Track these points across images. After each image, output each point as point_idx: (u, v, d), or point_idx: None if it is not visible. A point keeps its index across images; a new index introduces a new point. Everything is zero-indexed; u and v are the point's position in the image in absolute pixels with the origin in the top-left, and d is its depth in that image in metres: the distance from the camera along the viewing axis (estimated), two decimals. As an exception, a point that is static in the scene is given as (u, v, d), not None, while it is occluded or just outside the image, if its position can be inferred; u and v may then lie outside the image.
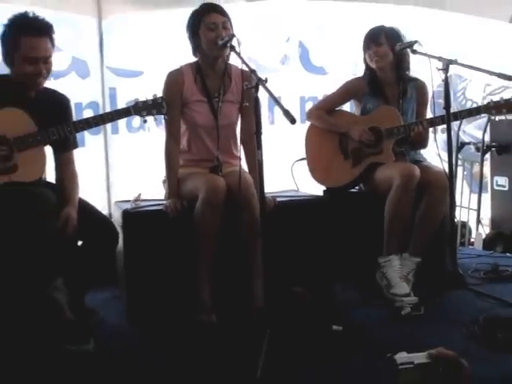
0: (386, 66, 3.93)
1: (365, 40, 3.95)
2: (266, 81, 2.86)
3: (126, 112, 3.36)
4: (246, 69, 3.07)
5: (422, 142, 3.99)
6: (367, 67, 4.01)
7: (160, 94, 3.42)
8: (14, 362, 2.87)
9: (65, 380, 2.75)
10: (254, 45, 4.47)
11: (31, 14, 3.12)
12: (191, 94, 3.59)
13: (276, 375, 2.66)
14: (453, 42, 4.84)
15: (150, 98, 3.34)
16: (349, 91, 4.10)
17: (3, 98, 3.11)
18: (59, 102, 3.34)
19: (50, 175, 3.35)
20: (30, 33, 3.06)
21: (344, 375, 2.73)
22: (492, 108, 3.78)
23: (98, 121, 3.30)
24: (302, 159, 4.12)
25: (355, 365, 2.80)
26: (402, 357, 1.44)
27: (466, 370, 1.42)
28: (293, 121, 2.70)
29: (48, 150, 3.24)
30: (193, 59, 3.64)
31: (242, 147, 3.49)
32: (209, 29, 3.47)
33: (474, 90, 5.54)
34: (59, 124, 3.19)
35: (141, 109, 3.33)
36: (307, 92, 4.96)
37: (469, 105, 5.44)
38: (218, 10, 3.53)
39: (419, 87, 4.03)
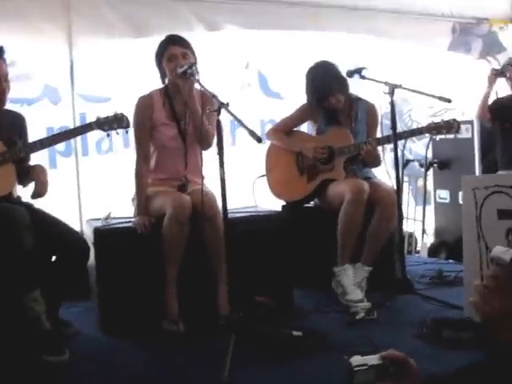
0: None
1: (323, 89, 4.03)
2: (227, 104, 3.00)
3: (88, 127, 3.46)
4: (207, 93, 3.23)
5: (375, 161, 4.10)
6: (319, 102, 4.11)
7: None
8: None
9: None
10: (215, 71, 4.60)
11: None
12: (160, 118, 3.73)
13: (240, 377, 2.80)
14: (398, 68, 5.07)
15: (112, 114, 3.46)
16: (304, 113, 4.28)
17: None
18: (17, 119, 3.49)
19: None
20: None
21: (303, 376, 2.87)
22: (433, 129, 3.94)
23: (63, 136, 3.44)
24: (263, 176, 4.30)
25: (314, 366, 2.95)
26: (356, 359, 1.49)
27: (414, 368, 1.50)
28: (259, 140, 2.86)
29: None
30: (157, 85, 3.80)
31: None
32: (169, 60, 3.63)
33: (419, 112, 5.81)
34: (21, 139, 3.33)
35: (103, 123, 3.40)
36: (266, 115, 5.13)
37: (414, 126, 5.69)
38: (177, 42, 3.68)
39: (369, 109, 4.21)
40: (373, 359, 1.50)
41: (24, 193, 3.50)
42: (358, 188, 3.84)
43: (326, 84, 4.05)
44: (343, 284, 3.82)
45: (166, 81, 3.77)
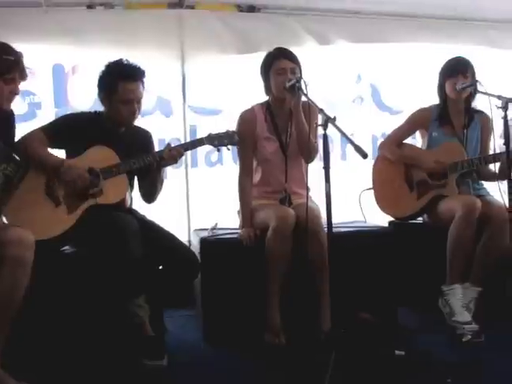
0: (465, 97, 4.00)
1: (450, 68, 4.00)
2: (334, 119, 2.91)
3: (199, 142, 3.59)
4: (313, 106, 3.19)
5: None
6: (442, 95, 4.07)
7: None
8: (92, 370, 3.10)
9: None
10: (326, 85, 4.63)
11: (125, 61, 3.46)
12: (262, 132, 3.79)
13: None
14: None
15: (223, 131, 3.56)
16: (416, 122, 4.18)
17: (96, 133, 3.45)
18: (143, 136, 3.66)
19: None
20: (127, 78, 3.41)
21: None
22: None
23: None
24: (370, 189, 4.20)
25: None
26: None
27: None
28: (365, 156, 2.77)
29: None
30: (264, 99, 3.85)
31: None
32: (278, 73, 3.67)
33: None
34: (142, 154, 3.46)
35: (213, 139, 3.54)
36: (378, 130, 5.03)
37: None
38: (287, 56, 3.71)
39: (484, 119, 4.07)
40: None
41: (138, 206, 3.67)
42: (470, 205, 3.71)
43: (453, 63, 4.01)
44: (451, 304, 3.71)
45: (269, 93, 3.81)
